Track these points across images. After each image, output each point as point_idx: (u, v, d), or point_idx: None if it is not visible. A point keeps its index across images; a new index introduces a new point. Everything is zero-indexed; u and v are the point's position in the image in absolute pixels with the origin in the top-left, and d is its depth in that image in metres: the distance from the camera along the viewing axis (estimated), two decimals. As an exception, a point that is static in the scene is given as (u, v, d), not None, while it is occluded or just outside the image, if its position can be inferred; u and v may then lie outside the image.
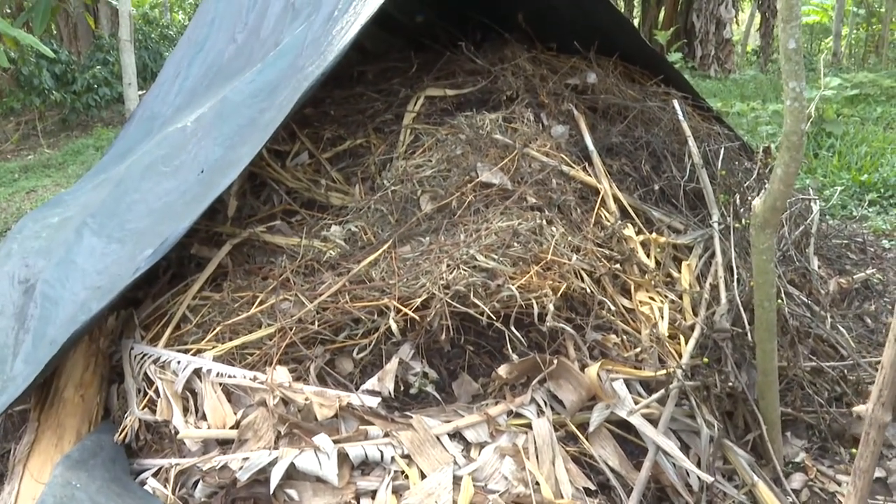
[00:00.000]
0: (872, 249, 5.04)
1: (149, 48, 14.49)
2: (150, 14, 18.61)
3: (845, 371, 3.38)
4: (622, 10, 19.80)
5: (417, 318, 2.58)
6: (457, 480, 2.34)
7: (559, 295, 2.72)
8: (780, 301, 3.21)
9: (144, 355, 2.82)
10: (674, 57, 12.10)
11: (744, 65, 18.89)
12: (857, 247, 5.10)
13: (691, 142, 4.03)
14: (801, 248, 4.39)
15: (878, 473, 3.00)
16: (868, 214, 5.82)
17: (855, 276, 4.45)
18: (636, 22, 19.19)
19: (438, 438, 2.47)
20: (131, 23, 10.93)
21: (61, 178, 9.17)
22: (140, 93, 10.12)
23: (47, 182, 9.01)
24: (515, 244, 2.75)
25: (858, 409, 1.35)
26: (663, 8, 16.92)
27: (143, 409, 2.66)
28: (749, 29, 21.34)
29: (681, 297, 3.32)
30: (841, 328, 3.73)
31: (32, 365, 2.72)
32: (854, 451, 3.06)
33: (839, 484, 2.97)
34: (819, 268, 4.54)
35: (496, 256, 2.68)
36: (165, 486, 2.41)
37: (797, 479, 2.98)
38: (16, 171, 9.84)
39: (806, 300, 3.73)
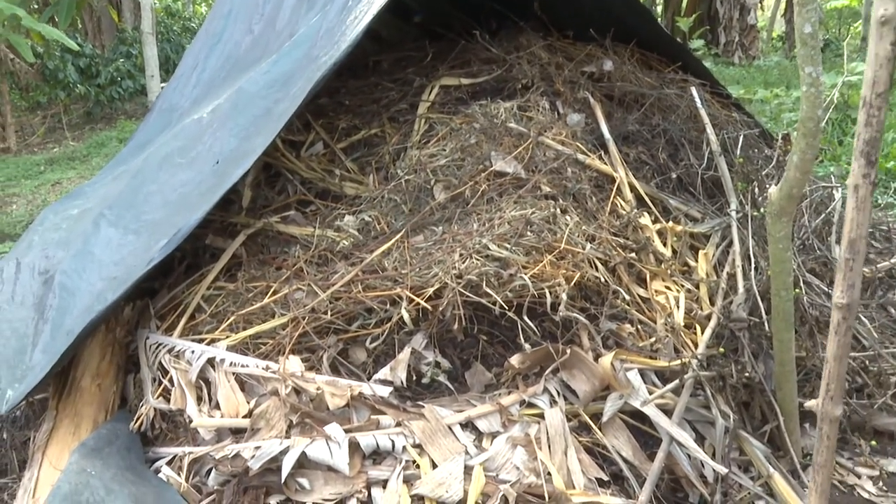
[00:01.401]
0: (898, 238, 4.96)
1: (171, 40, 14.58)
2: (172, 6, 18.68)
3: (867, 362, 3.33)
4: (645, -2, 19.61)
5: (429, 307, 2.57)
6: (468, 470, 2.34)
7: (572, 284, 2.70)
8: (797, 290, 3.17)
9: (159, 345, 2.84)
10: (696, 44, 11.95)
11: (769, 51, 18.62)
12: (882, 235, 5.02)
13: (709, 129, 3.98)
14: (822, 237, 4.33)
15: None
16: (894, 202, 5.72)
17: (879, 266, 4.38)
18: (659, 9, 19.01)
19: (450, 428, 2.46)
20: (153, 16, 11.01)
21: (85, 170, 9.27)
22: (162, 85, 10.18)
23: (72, 174, 9.11)
24: (528, 233, 2.74)
25: (809, 404, 1.33)
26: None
27: (157, 398, 2.69)
28: (775, 14, 21.02)
29: (697, 287, 3.29)
30: (863, 318, 3.67)
31: (50, 355, 2.76)
32: (874, 443, 3.03)
33: (859, 476, 2.93)
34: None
35: (509, 246, 2.67)
36: (179, 474, 2.43)
37: (815, 471, 2.95)
38: (41, 163, 9.96)
39: (826, 289, 3.68)
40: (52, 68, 11.77)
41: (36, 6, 13.97)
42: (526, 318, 2.63)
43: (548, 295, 2.61)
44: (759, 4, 17.52)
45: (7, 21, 10.06)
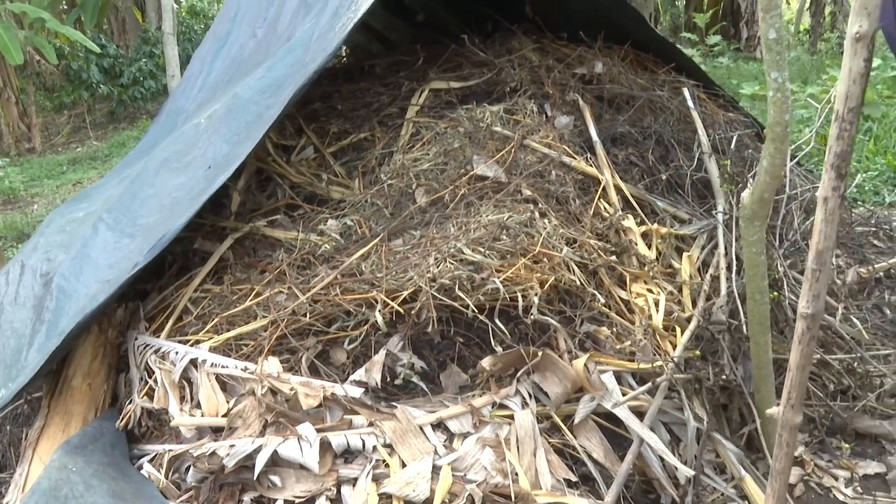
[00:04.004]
0: (901, 237, 4.93)
1: (192, 40, 14.79)
2: (197, 6, 18.90)
3: (854, 363, 3.33)
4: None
5: (402, 310, 2.64)
6: (436, 470, 2.40)
7: (546, 288, 2.75)
8: (775, 294, 3.18)
9: (147, 346, 2.94)
10: (713, 39, 11.86)
11: (795, 44, 18.40)
12: (886, 234, 4.99)
13: (700, 130, 3.99)
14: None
15: (878, 469, 2.97)
16: (902, 201, 5.68)
17: (877, 266, 4.36)
18: (681, 4, 18.85)
19: (421, 428, 2.53)
20: (174, 16, 11.16)
21: (106, 169, 9.46)
22: (182, 84, 10.32)
23: (93, 174, 9.31)
24: (504, 237, 2.78)
25: (770, 411, 1.37)
26: (709, -12, 16.61)
27: (143, 397, 2.78)
28: (802, 7, 20.75)
29: (680, 289, 3.32)
30: (854, 319, 3.67)
31: (43, 354, 2.86)
32: (846, 446, 3.05)
33: (836, 479, 2.95)
34: (838, 257, 4.46)
35: (483, 250, 2.72)
36: (159, 471, 2.52)
37: (794, 474, 2.96)
38: (64, 163, 10.18)
39: (817, 291, 3.68)
40: (75, 69, 12.00)
41: (64, 6, 14.24)
42: (498, 321, 2.68)
43: (520, 298, 2.66)
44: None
45: (33, 23, 10.28)
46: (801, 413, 1.32)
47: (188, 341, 2.88)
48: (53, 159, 10.52)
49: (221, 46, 5.02)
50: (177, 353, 2.82)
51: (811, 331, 1.30)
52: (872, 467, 2.96)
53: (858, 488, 2.87)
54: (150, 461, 2.60)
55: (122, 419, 2.76)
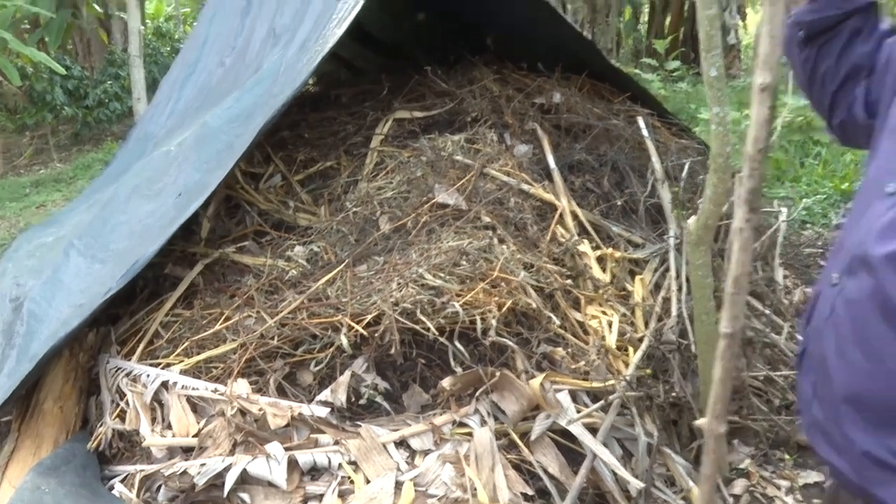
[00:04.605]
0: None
1: (158, 63, 14.77)
2: (163, 27, 18.89)
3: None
4: (629, 18, 19.91)
5: (367, 334, 2.76)
6: (399, 485, 2.51)
7: (504, 310, 2.89)
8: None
9: (118, 369, 3.02)
10: (673, 64, 12.18)
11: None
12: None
13: (654, 157, 4.19)
14: (767, 260, 4.53)
15: (817, 478, 3.14)
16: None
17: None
18: (643, 29, 19.29)
19: (385, 446, 2.64)
20: (140, 39, 11.21)
21: (70, 192, 9.43)
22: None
23: (57, 196, 9.28)
24: (463, 262, 2.92)
25: (699, 422, 1.51)
26: (669, 15, 17.02)
27: (114, 419, 2.86)
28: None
29: (633, 311, 3.48)
30: (800, 337, 3.86)
31: (14, 379, 2.93)
32: (788, 457, 3.22)
33: (779, 488, 3.12)
34: (786, 278, 4.66)
35: (443, 275, 2.85)
36: (131, 490, 2.60)
37: (739, 485, 3.13)
38: (27, 185, 10.13)
39: (764, 310, 3.88)
40: (39, 90, 11.94)
41: (27, 25, 14.17)
42: (458, 343, 2.81)
43: (479, 321, 2.80)
44: (743, 24, 17.76)
45: (-5, 44, 10.26)
46: (726, 423, 1.46)
47: (159, 364, 2.97)
48: (16, 181, 10.47)
49: (190, 74, 5.11)
50: (148, 375, 2.91)
51: (731, 348, 1.44)
52: (812, 477, 3.14)
53: (798, 496, 3.04)
54: (122, 481, 2.68)
55: (94, 441, 2.84)
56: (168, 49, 16.22)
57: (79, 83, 12.53)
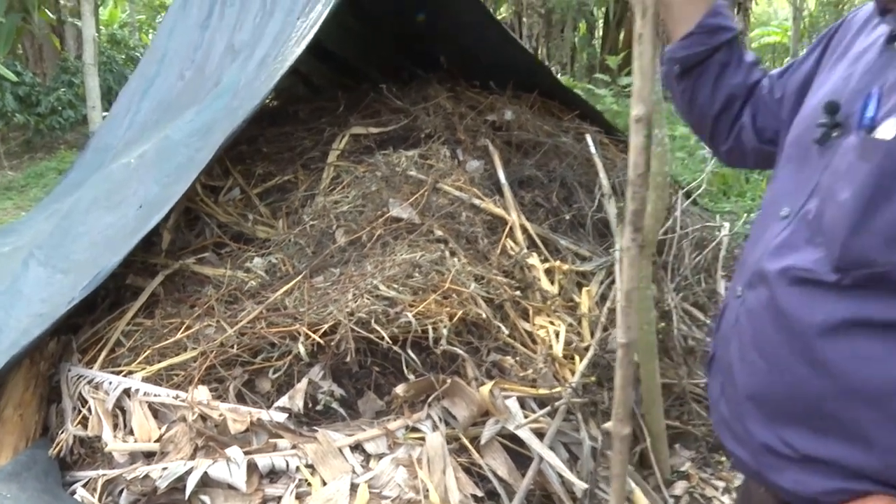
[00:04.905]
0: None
1: (114, 71, 14.65)
2: (118, 34, 18.70)
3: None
4: (584, 33, 20.33)
5: (323, 342, 2.88)
6: (354, 488, 2.63)
7: (455, 320, 3.03)
8: (663, 325, 3.55)
9: (80, 377, 3.09)
10: (625, 80, 12.48)
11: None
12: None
13: (602, 173, 4.37)
14: (710, 272, 4.75)
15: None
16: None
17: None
18: (597, 44, 19.71)
19: (340, 450, 2.76)
20: (95, 46, 11.13)
21: (23, 201, 9.36)
22: (104, 114, 10.30)
23: (8, 205, 9.19)
24: (416, 274, 3.06)
25: (606, 426, 1.66)
26: (623, 31, 17.45)
27: (76, 425, 2.93)
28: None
29: (580, 321, 3.64)
30: (711, 343, 4.07)
31: (-26, 388, 2.98)
32: (724, 460, 3.42)
33: (716, 489, 3.31)
34: (727, 289, 4.89)
35: (397, 286, 2.99)
36: (93, 495, 2.68)
37: (679, 486, 3.32)
38: (-23, 193, 10.01)
39: (706, 321, 4.08)
40: (-11, 97, 11.81)
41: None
42: (411, 351, 2.95)
43: (431, 331, 2.93)
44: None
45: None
46: (630, 425, 1.61)
47: (121, 372, 3.05)
48: (-34, 189, 10.35)
49: (149, 87, 5.17)
50: (110, 383, 2.98)
51: (628, 356, 1.59)
52: (749, 479, 3.33)
53: (734, 496, 3.23)
54: (84, 486, 2.74)
55: (56, 447, 2.90)
56: (123, 57, 16.09)
57: (31, 90, 12.39)
